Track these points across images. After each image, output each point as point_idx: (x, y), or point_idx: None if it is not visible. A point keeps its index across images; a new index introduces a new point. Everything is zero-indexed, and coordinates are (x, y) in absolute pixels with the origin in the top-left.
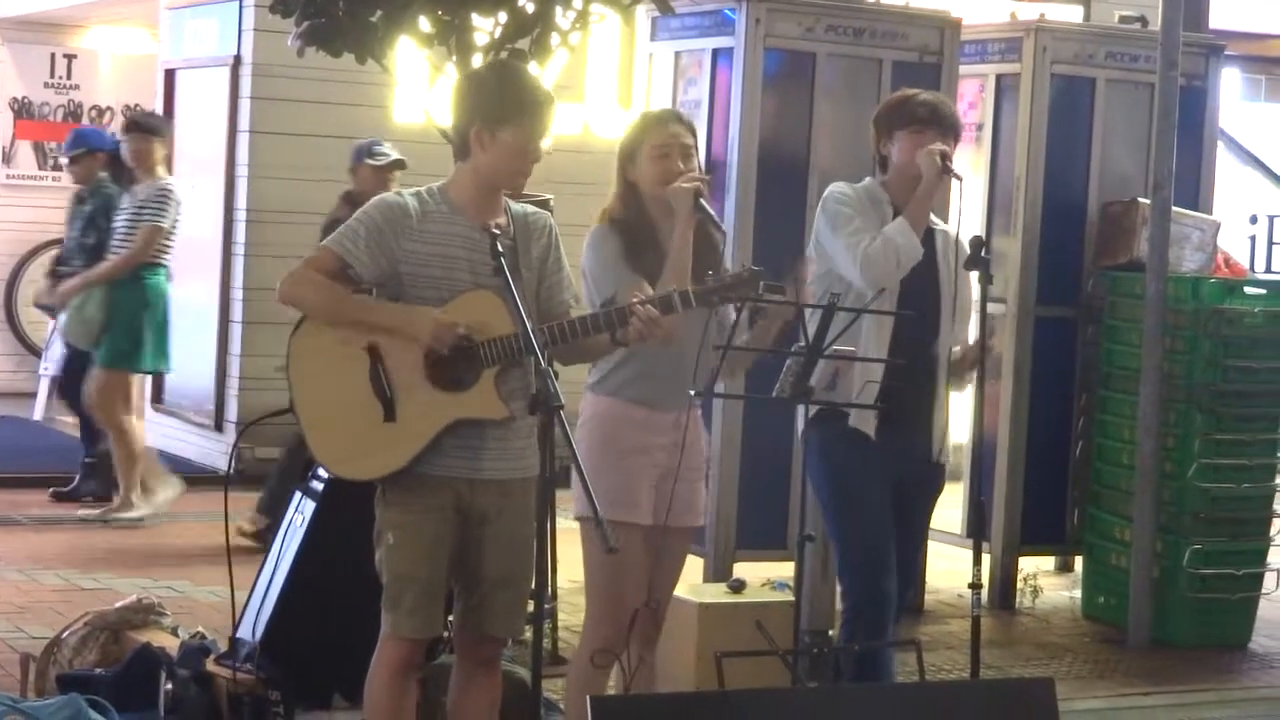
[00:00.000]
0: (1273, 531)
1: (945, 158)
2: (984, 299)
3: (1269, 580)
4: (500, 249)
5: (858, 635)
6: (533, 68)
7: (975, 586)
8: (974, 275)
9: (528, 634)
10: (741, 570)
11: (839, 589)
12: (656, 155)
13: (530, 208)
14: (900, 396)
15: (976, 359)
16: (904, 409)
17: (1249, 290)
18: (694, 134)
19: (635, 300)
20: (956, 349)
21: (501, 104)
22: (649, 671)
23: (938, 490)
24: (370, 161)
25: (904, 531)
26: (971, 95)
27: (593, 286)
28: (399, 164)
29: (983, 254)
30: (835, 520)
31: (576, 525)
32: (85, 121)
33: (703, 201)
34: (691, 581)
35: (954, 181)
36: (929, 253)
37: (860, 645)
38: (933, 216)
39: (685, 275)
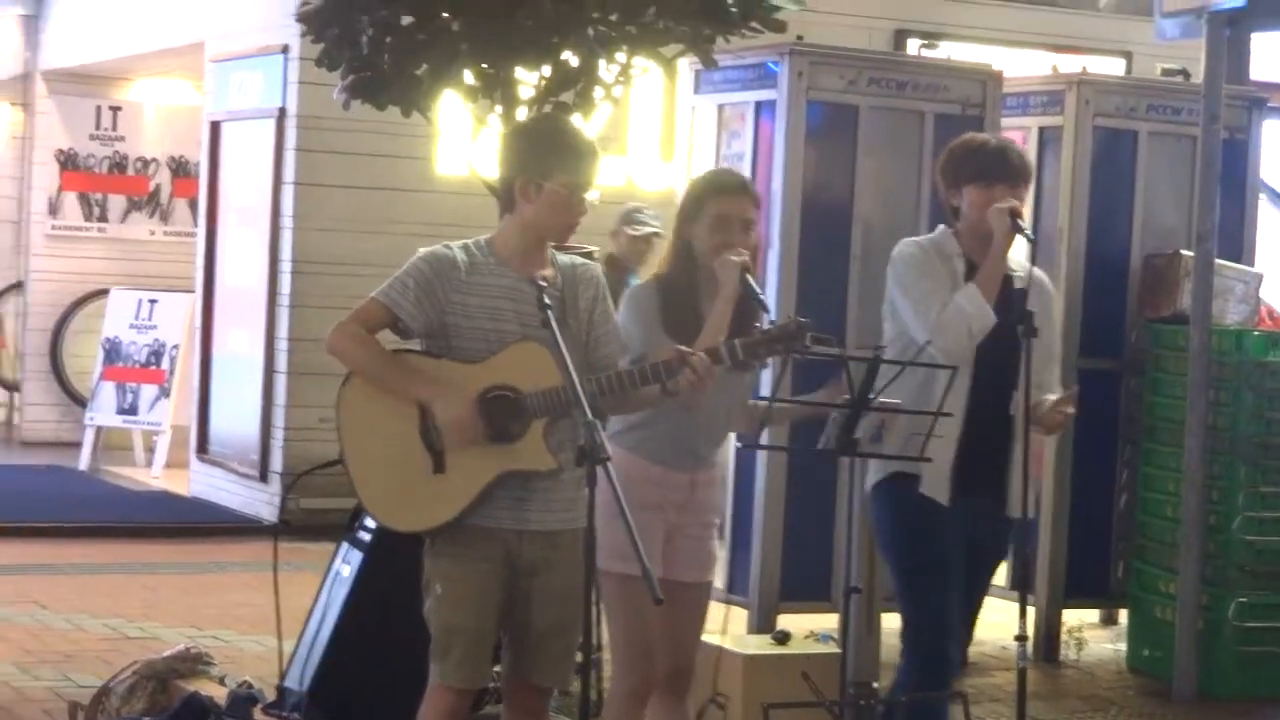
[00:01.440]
0: None
1: (1016, 215)
2: (1027, 353)
3: None
4: (547, 301)
5: (919, 707)
6: (576, 120)
7: (1021, 639)
8: (1056, 315)
9: (575, 684)
10: (785, 622)
11: (901, 643)
12: (718, 225)
13: (577, 259)
14: (975, 456)
15: (1057, 424)
16: (979, 468)
17: None
18: (758, 205)
19: (689, 351)
20: (1048, 398)
21: (547, 157)
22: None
23: (1005, 548)
24: (628, 230)
25: (968, 588)
26: None
27: (627, 340)
28: (656, 235)
29: (1027, 307)
30: (903, 587)
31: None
32: (130, 173)
33: (749, 278)
34: (736, 633)
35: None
36: (1021, 297)
37: (906, 696)
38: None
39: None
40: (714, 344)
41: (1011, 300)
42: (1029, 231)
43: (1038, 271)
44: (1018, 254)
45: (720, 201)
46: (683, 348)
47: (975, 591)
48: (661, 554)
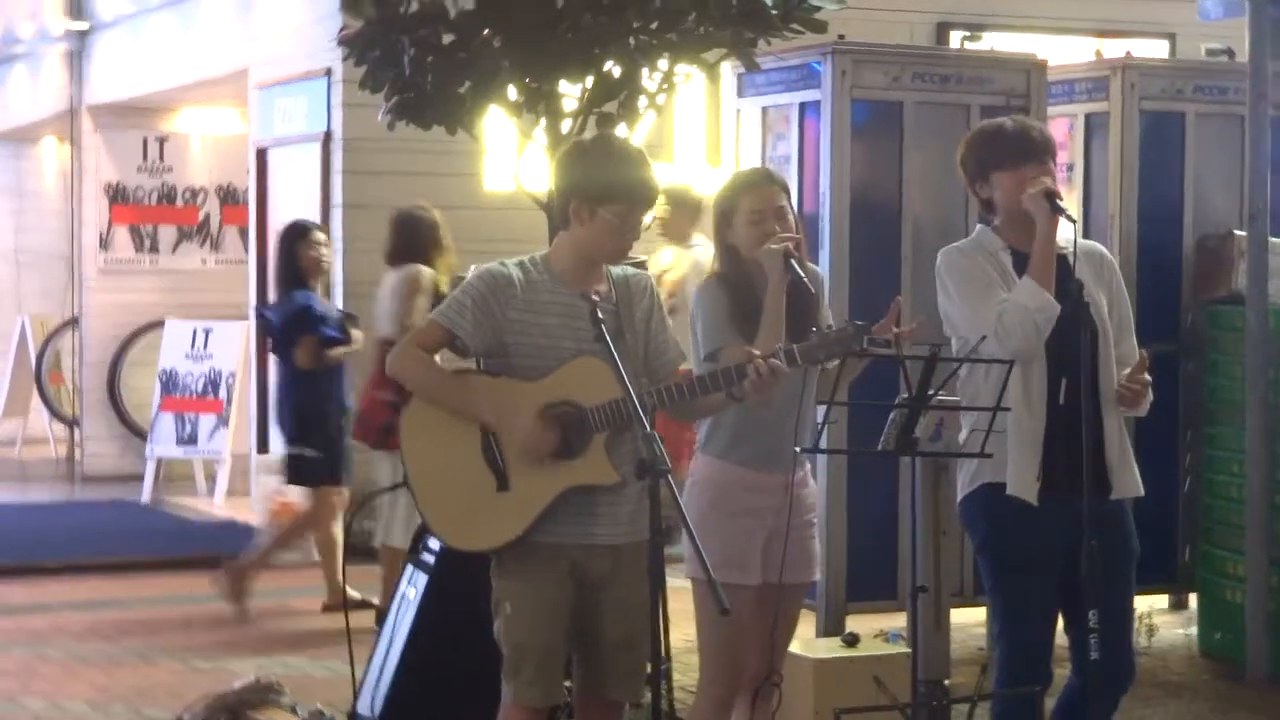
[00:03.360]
0: None
1: (1053, 197)
2: (1096, 337)
3: None
4: (600, 316)
5: (1005, 705)
6: (621, 130)
7: (1092, 630)
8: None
9: (646, 696)
10: (854, 623)
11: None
12: (753, 220)
13: (630, 270)
14: (1060, 449)
15: (1136, 397)
16: (1067, 460)
17: None
18: (788, 192)
19: (751, 355)
20: (1126, 372)
21: (602, 183)
22: None
23: (1125, 532)
24: None
25: (1103, 587)
26: (1060, 135)
27: (700, 338)
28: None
29: (1084, 301)
30: (994, 587)
31: (686, 585)
32: (179, 204)
33: (793, 262)
34: (805, 637)
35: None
36: (1075, 280)
37: (982, 695)
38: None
39: (779, 337)
40: (773, 337)
41: (1066, 278)
42: (1068, 211)
43: (1087, 243)
44: (1063, 231)
45: (749, 197)
46: (750, 349)
47: (1113, 591)
48: (763, 558)
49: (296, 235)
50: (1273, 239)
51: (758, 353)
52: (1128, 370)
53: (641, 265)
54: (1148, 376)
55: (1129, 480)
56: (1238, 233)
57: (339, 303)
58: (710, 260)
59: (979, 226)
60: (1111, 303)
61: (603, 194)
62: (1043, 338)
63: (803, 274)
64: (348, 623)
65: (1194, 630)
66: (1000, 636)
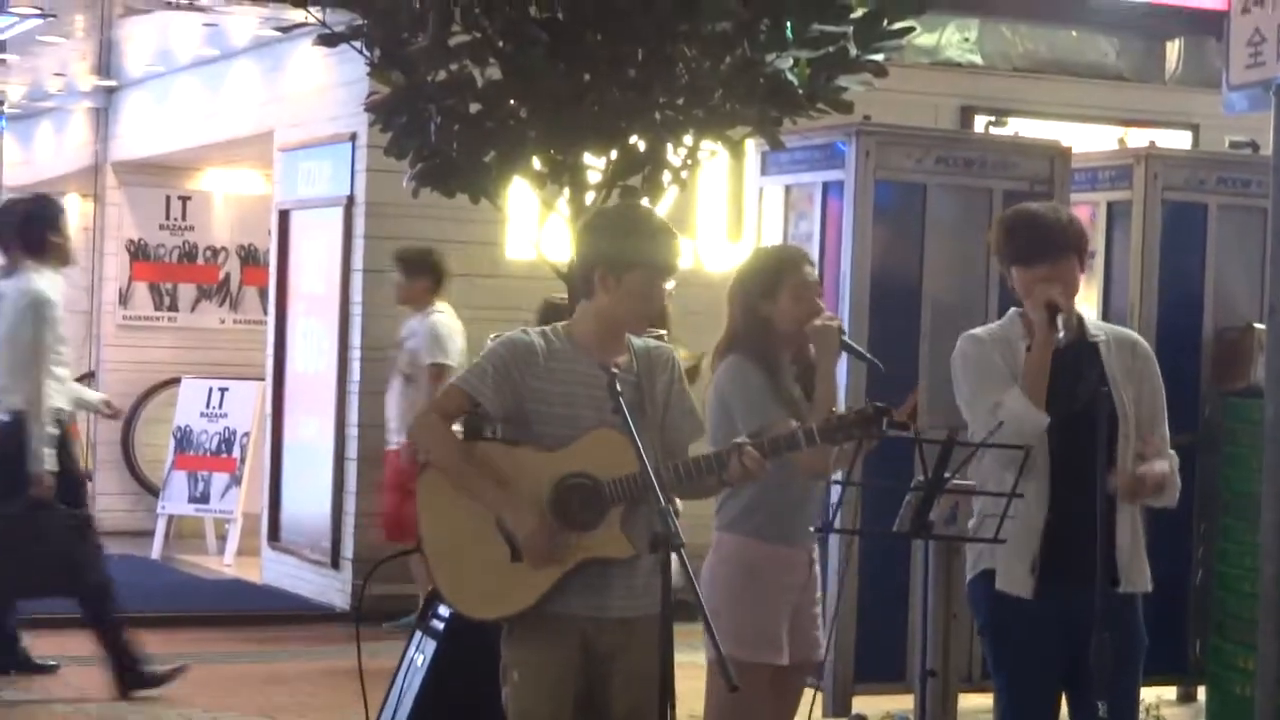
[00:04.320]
0: None
1: (1055, 310)
2: (1112, 429)
3: None
4: (619, 388)
5: None
6: (644, 203)
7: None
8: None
9: None
10: (861, 704)
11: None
12: (798, 294)
13: (653, 342)
14: (1069, 540)
15: (1140, 493)
16: (1074, 552)
17: None
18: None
19: (740, 446)
20: (1159, 465)
21: (626, 249)
22: None
23: (1133, 626)
24: None
25: (1114, 685)
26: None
27: (739, 419)
28: None
29: (1103, 389)
30: (997, 681)
31: (692, 660)
32: (200, 263)
33: (845, 338)
34: (813, 716)
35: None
36: (1087, 368)
37: None
38: (1090, 326)
39: (833, 408)
40: (830, 406)
41: (1087, 365)
42: (1060, 332)
43: (1122, 332)
44: (1095, 319)
45: (794, 273)
46: (792, 425)
47: (1118, 686)
48: (789, 637)
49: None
50: None
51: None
52: (1157, 466)
53: (662, 338)
54: (1159, 469)
55: (1138, 574)
56: (1257, 325)
57: (358, 368)
58: (451, 326)
59: (1011, 310)
60: (1140, 394)
61: (628, 261)
62: (1035, 440)
63: (862, 350)
64: (363, 685)
65: None
66: None
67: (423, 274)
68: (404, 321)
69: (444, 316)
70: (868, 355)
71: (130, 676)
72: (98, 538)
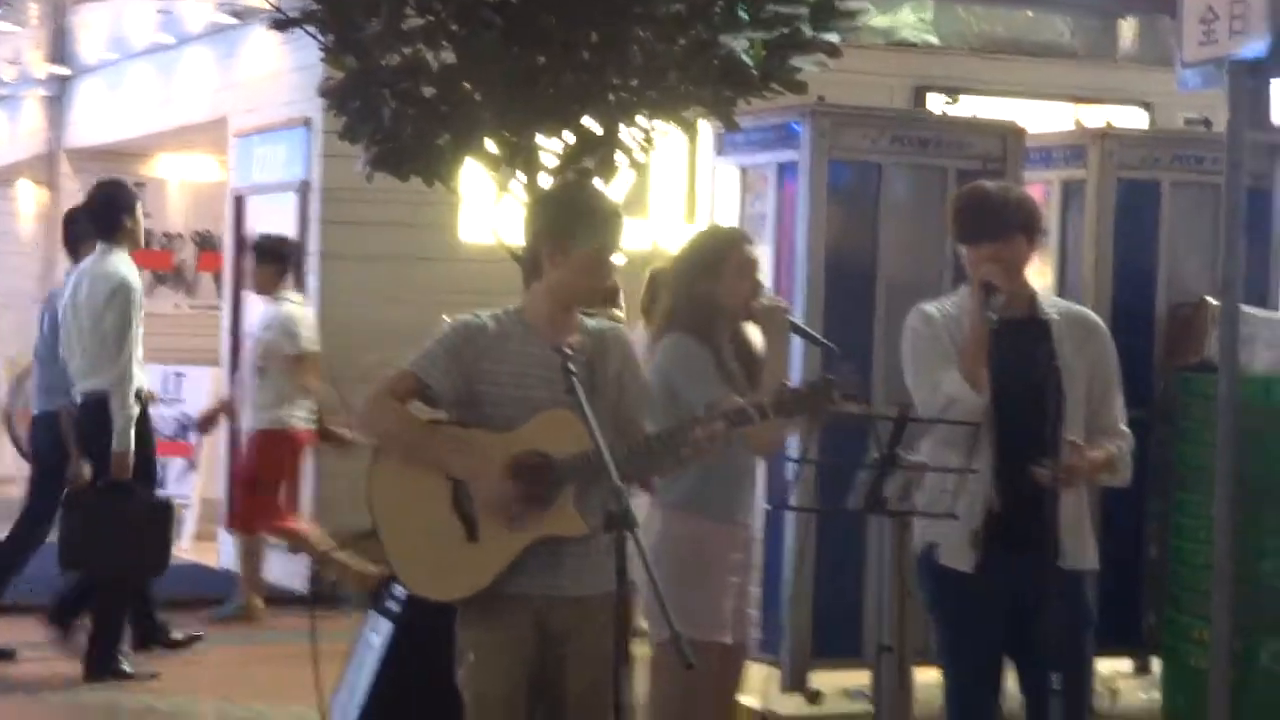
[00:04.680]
0: None
1: (990, 290)
2: (1059, 407)
3: None
4: (572, 369)
5: None
6: (598, 184)
7: (1055, 691)
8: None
9: None
10: (818, 680)
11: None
12: (741, 273)
13: (605, 323)
14: (1013, 514)
15: (1068, 479)
16: (1018, 526)
17: None
18: None
19: (699, 420)
20: (1096, 453)
21: (572, 222)
22: None
23: (1079, 602)
24: None
25: (1051, 656)
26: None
27: (684, 396)
28: None
29: (1052, 364)
30: (942, 658)
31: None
32: (155, 249)
33: (792, 319)
34: (768, 692)
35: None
36: (1038, 345)
37: None
38: (1044, 304)
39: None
40: (779, 383)
41: (1038, 342)
42: (993, 315)
43: (1077, 311)
44: (1050, 296)
45: (738, 251)
46: (741, 401)
47: (1065, 662)
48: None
49: None
50: (1245, 308)
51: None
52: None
53: (616, 318)
54: (1095, 457)
55: (1082, 550)
56: (1211, 301)
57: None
58: (303, 313)
59: (962, 285)
60: (1093, 373)
61: (573, 234)
62: (973, 417)
63: (809, 331)
64: (317, 670)
65: (1157, 695)
66: (947, 696)
67: (271, 261)
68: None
69: (294, 305)
70: (816, 336)
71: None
72: (172, 527)
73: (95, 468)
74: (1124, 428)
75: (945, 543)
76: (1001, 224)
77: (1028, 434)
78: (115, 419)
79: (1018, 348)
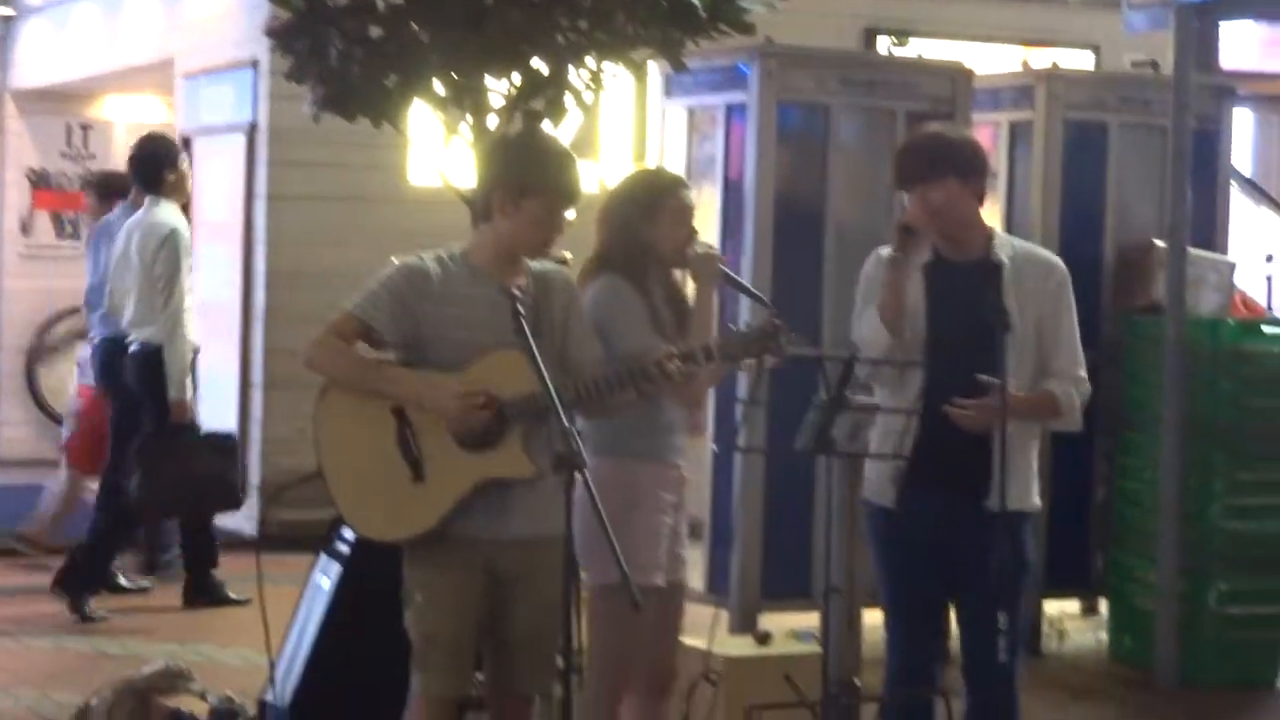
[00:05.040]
0: None
1: (905, 230)
2: (1001, 349)
3: None
4: (520, 310)
5: (893, 707)
6: (547, 127)
7: (1002, 631)
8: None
9: (557, 690)
10: (767, 622)
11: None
12: (677, 218)
13: (550, 265)
14: (941, 452)
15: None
16: (945, 465)
17: (1267, 330)
18: None
19: (664, 355)
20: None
21: (527, 174)
22: None
23: (1014, 544)
24: None
25: (974, 600)
26: (985, 143)
27: (616, 339)
28: None
29: (996, 305)
30: (881, 602)
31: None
32: None
33: (723, 267)
34: (717, 634)
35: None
36: (985, 288)
37: (887, 697)
38: (999, 245)
39: (708, 336)
40: (706, 332)
41: (986, 284)
42: (896, 253)
43: (1037, 254)
44: (1007, 238)
45: (675, 197)
46: (672, 348)
47: (1001, 602)
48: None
49: None
50: (1192, 250)
51: (676, 351)
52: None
53: (561, 262)
54: (1019, 398)
55: (1015, 492)
56: (1158, 243)
57: (262, 294)
58: None
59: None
60: (1043, 316)
61: (528, 186)
62: (878, 353)
63: (741, 281)
64: (264, 613)
65: (1104, 636)
66: (887, 642)
67: (106, 197)
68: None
69: None
70: (748, 287)
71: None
72: (237, 461)
73: (155, 415)
74: (1080, 373)
75: (870, 479)
76: (929, 166)
77: (967, 375)
78: (169, 366)
79: (964, 290)
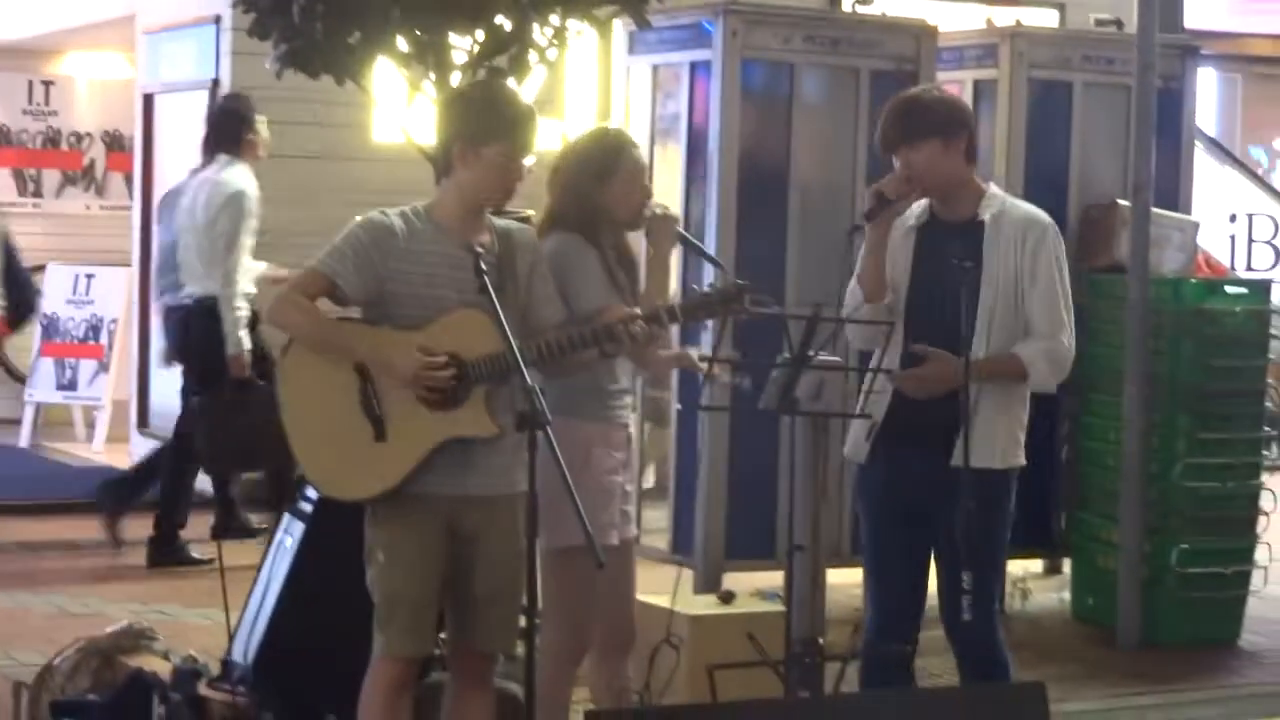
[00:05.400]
0: (1259, 529)
1: (878, 197)
2: (966, 304)
3: (1256, 578)
4: (484, 267)
5: (868, 662)
6: (511, 84)
7: (965, 592)
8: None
9: (519, 649)
10: (731, 581)
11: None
12: (632, 179)
13: (514, 224)
14: (916, 410)
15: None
16: (919, 422)
17: (1230, 289)
18: None
19: (627, 315)
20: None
21: (484, 122)
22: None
23: (980, 500)
24: None
25: (947, 553)
26: None
27: (573, 298)
28: None
29: (963, 263)
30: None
31: None
32: (64, 148)
33: (681, 229)
34: (681, 593)
35: None
36: (970, 248)
37: (856, 654)
38: (987, 203)
39: (665, 297)
40: (663, 294)
41: (963, 246)
42: (861, 221)
43: (1029, 214)
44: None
45: (629, 158)
46: (635, 309)
47: (971, 560)
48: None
49: None
50: (1156, 210)
51: (639, 312)
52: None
53: (524, 220)
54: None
55: (998, 449)
56: (1121, 202)
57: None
58: None
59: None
60: (1023, 273)
61: (485, 134)
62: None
63: (697, 243)
64: (222, 569)
65: (1067, 595)
66: (866, 598)
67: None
68: None
69: None
70: (703, 248)
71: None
72: None
73: (210, 370)
74: (1057, 335)
75: (849, 437)
76: (908, 129)
77: (937, 331)
78: (225, 321)
79: (947, 250)
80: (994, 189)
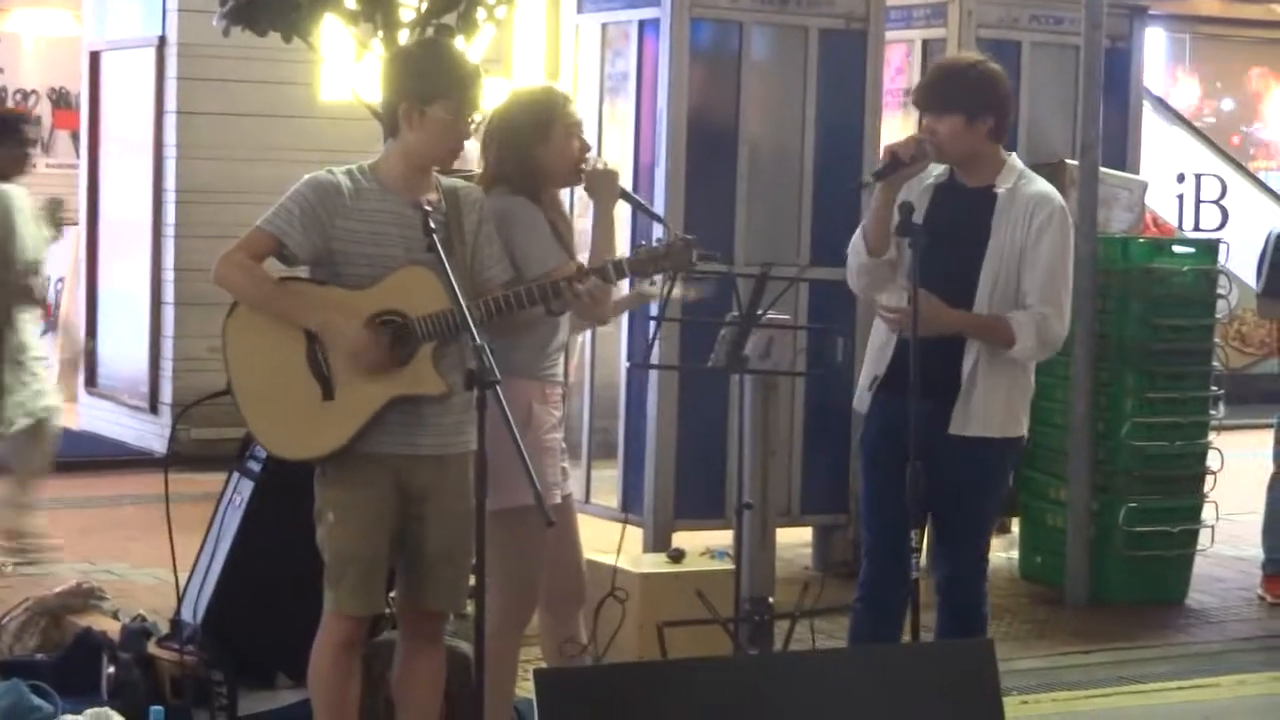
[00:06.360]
0: (1206, 488)
1: (891, 154)
2: (915, 265)
3: (1203, 537)
4: (433, 226)
5: (861, 617)
6: (459, 43)
7: (914, 550)
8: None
9: (470, 608)
10: (680, 540)
11: None
12: (569, 136)
13: (460, 182)
14: (908, 363)
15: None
16: (908, 380)
17: (1177, 249)
18: None
19: (574, 272)
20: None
21: (430, 81)
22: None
23: (960, 466)
24: None
25: (935, 509)
26: (898, 61)
27: (518, 254)
28: None
29: (914, 219)
30: None
31: None
32: (10, 106)
33: (620, 185)
34: (631, 552)
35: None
36: (979, 214)
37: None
38: (1005, 175)
39: (611, 254)
40: (609, 250)
41: (978, 209)
42: (866, 182)
43: (1038, 190)
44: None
45: (565, 113)
46: (582, 265)
47: (950, 525)
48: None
49: None
50: (1104, 169)
51: (587, 267)
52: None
53: (471, 179)
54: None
55: (993, 418)
56: (1070, 162)
57: (173, 211)
58: None
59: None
60: (1027, 247)
61: (432, 93)
62: (855, 276)
63: (639, 199)
64: (170, 529)
65: (1015, 554)
66: (862, 550)
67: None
68: None
69: None
70: (645, 205)
71: None
72: None
73: None
74: (1047, 310)
75: (858, 389)
76: (936, 99)
77: (943, 291)
78: None
79: (957, 211)
80: (1014, 160)
